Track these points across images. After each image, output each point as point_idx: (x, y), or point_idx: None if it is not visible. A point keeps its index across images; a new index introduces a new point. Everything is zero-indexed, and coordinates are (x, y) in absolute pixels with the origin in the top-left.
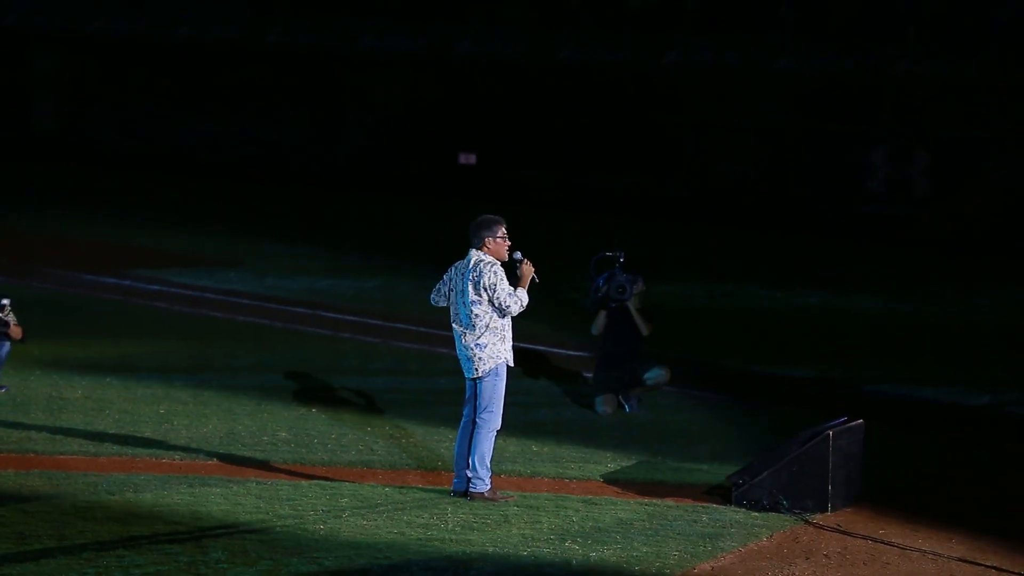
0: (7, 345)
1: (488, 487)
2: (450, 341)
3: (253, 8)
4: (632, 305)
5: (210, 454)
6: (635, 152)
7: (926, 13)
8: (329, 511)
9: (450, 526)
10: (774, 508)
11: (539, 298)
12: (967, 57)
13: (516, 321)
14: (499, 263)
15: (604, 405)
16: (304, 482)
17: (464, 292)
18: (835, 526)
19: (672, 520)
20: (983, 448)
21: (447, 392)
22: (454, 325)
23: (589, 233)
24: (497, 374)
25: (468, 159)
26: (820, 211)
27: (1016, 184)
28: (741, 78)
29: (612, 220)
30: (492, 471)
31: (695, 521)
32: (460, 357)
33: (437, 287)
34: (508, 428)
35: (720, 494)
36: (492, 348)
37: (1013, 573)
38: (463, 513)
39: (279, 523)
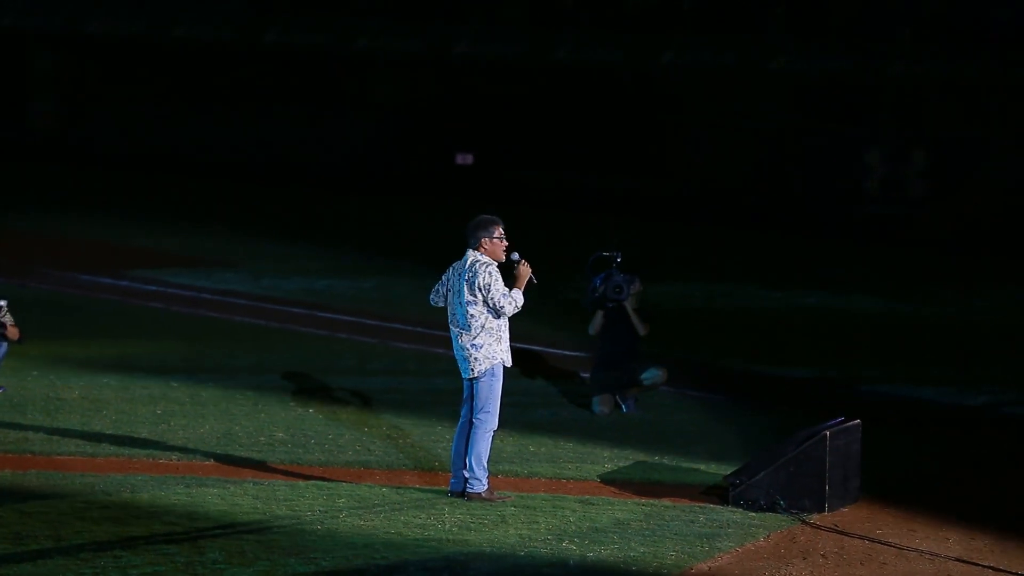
0: (4, 346)
1: (485, 487)
2: (447, 341)
3: (252, 8)
4: (629, 305)
5: (207, 454)
6: (633, 152)
7: (925, 13)
8: (326, 511)
9: (447, 526)
10: (771, 508)
11: (537, 298)
12: (966, 57)
13: (514, 321)
14: (495, 264)
15: (601, 405)
16: (301, 482)
17: (460, 292)
18: (832, 526)
19: (669, 520)
20: (981, 448)
21: (444, 392)
22: (451, 326)
23: (587, 233)
24: (493, 374)
25: (465, 159)
26: (819, 211)
27: (1016, 184)
28: (739, 78)
29: (610, 220)
30: (489, 471)
31: (692, 521)
32: (457, 357)
33: (436, 288)
34: (505, 428)
35: (717, 494)
36: (488, 348)
37: (1010, 573)
38: (460, 513)
39: (276, 523)
